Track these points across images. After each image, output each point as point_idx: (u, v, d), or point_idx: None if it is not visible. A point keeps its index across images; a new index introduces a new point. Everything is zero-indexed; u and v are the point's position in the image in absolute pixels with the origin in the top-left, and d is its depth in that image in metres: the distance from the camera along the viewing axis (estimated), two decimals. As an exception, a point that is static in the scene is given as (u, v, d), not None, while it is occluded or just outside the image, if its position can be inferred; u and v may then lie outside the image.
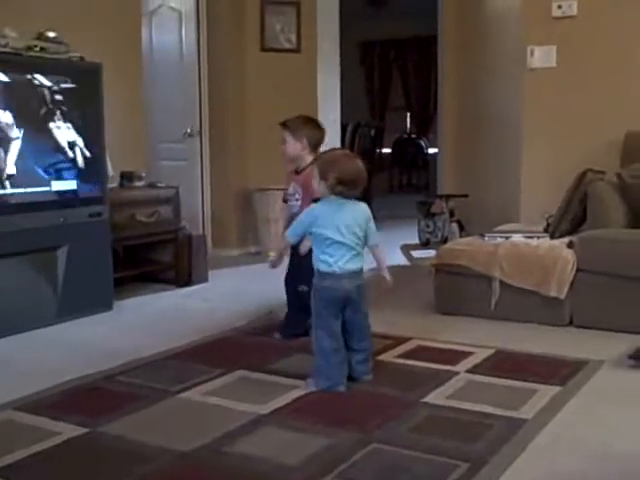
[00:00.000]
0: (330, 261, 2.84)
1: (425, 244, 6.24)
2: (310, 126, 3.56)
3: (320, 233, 2.85)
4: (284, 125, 3.55)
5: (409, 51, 12.15)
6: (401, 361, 3.25)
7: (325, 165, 2.88)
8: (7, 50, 3.80)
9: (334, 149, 3.17)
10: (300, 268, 3.37)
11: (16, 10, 4.32)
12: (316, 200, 3.04)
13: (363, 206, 2.93)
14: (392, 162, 12.33)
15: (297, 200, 3.54)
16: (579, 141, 4.83)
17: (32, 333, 3.78)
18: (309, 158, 3.52)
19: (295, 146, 3.51)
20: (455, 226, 5.93)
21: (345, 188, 2.83)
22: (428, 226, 6.20)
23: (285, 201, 3.67)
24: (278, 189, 5.94)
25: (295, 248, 3.20)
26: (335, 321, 2.87)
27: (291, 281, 3.62)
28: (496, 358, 3.27)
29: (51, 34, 4.04)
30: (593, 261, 3.71)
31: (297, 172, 3.60)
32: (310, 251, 2.96)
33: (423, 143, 12.14)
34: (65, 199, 4.01)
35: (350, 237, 2.83)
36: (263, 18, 6.17)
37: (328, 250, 2.84)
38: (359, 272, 2.90)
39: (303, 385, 2.89)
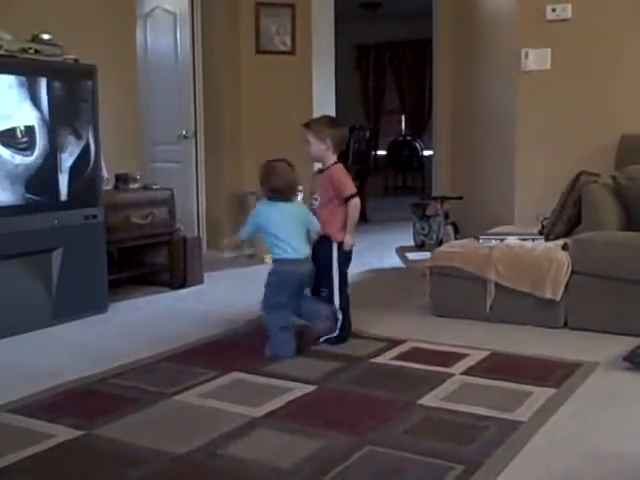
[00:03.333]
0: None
1: (420, 246, 6.23)
2: (333, 126, 3.53)
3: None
4: (307, 126, 3.53)
5: (404, 54, 12.18)
6: (396, 363, 3.25)
7: (262, 176, 3.39)
8: (1, 52, 3.79)
9: (274, 160, 3.42)
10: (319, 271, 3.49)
11: (10, 12, 4.31)
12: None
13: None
14: (387, 164, 12.35)
15: (315, 199, 3.54)
16: (574, 143, 4.84)
17: (27, 335, 3.77)
18: (333, 158, 3.52)
19: (319, 147, 3.49)
20: (450, 228, 5.92)
21: (276, 195, 3.34)
22: (423, 228, 6.19)
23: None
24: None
25: (314, 254, 3.44)
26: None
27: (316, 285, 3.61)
28: (491, 360, 3.27)
29: (46, 36, 4.04)
30: (588, 263, 3.72)
31: (321, 171, 3.58)
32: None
33: (418, 145, 12.15)
34: (60, 201, 4.01)
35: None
36: (258, 20, 6.18)
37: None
38: None
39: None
